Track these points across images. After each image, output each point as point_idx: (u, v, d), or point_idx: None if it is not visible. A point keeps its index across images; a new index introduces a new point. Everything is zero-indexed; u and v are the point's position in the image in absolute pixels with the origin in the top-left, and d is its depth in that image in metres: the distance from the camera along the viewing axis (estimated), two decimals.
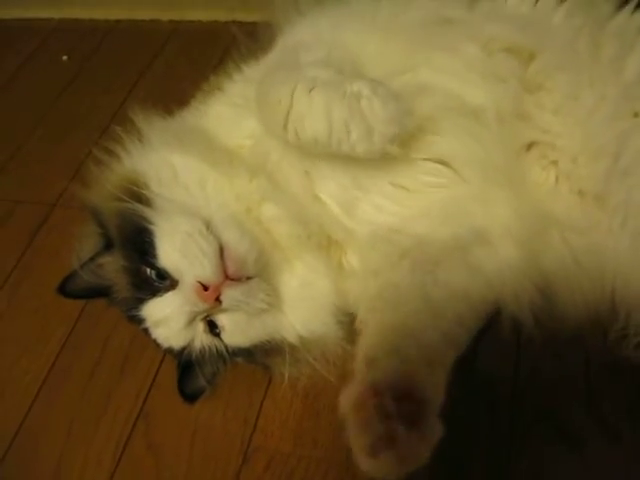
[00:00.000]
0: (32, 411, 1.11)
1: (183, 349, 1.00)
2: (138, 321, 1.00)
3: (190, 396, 1.05)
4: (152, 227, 0.95)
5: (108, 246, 1.02)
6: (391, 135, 0.86)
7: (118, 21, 1.86)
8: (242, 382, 1.08)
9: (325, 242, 1.03)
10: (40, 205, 1.41)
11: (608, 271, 1.03)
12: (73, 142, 1.51)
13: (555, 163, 1.06)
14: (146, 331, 1.02)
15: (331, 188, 1.01)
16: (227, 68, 1.09)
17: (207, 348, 0.98)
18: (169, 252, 0.94)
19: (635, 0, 1.04)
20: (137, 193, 0.97)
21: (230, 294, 0.94)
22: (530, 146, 1.06)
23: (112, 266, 1.02)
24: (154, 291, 0.96)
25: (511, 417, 0.99)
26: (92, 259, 1.03)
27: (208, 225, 0.94)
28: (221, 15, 1.72)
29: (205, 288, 0.92)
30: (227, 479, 0.98)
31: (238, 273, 0.94)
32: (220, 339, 0.99)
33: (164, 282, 0.96)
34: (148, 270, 0.96)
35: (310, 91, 0.87)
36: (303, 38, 1.04)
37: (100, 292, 1.05)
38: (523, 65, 1.05)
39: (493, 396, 1.02)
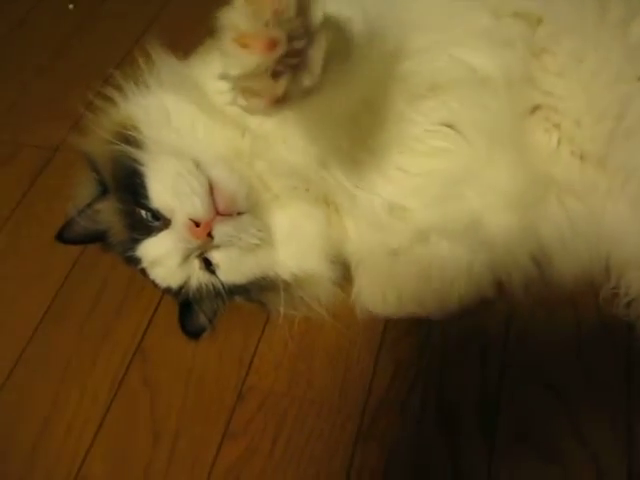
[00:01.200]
0: (30, 345, 1.12)
1: (181, 288, 1.02)
2: (135, 262, 1.02)
3: (192, 334, 1.07)
4: (143, 169, 0.97)
5: (104, 192, 1.04)
6: None
7: None
8: (238, 324, 1.09)
9: (321, 197, 1.05)
10: (43, 149, 1.42)
11: (604, 234, 1.05)
12: (76, 89, 1.48)
13: (558, 126, 1.07)
14: (144, 272, 1.03)
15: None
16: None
17: (204, 286, 1.01)
18: (160, 192, 0.96)
19: None
20: (127, 136, 0.99)
21: (221, 229, 0.96)
22: (534, 109, 1.07)
23: (108, 210, 1.04)
24: (149, 231, 0.98)
25: (501, 370, 1.01)
26: (89, 205, 1.05)
27: (197, 164, 0.96)
28: None
29: (197, 225, 0.94)
30: (221, 416, 1.00)
31: (228, 209, 0.96)
32: (216, 276, 1.01)
33: (158, 222, 0.98)
34: (142, 211, 0.98)
35: None
36: None
37: (97, 237, 1.07)
38: (531, 29, 1.06)
39: (484, 351, 1.04)
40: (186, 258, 0.99)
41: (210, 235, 0.95)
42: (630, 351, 1.00)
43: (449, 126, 1.02)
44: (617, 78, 1.02)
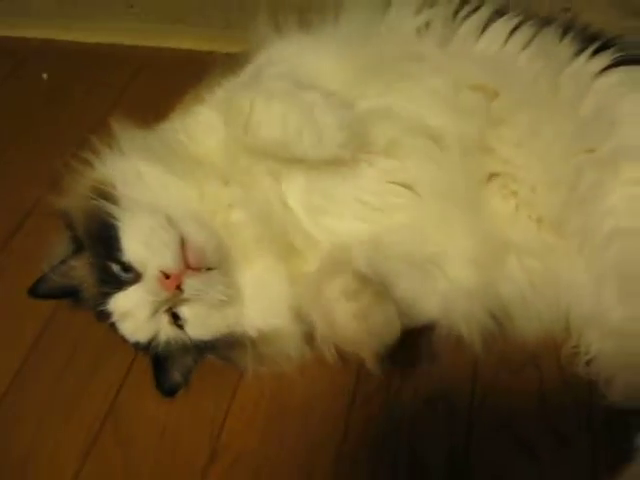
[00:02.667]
0: (3, 403, 1.12)
1: (149, 343, 1.04)
2: (106, 317, 1.04)
3: (167, 391, 1.08)
4: (117, 223, 1.01)
5: (78, 249, 1.07)
6: (341, 141, 0.96)
7: (98, 44, 1.90)
8: (210, 384, 1.11)
9: (287, 248, 1.08)
10: (16, 213, 1.44)
11: (562, 294, 1.10)
12: (50, 154, 1.52)
13: (515, 193, 1.12)
14: (114, 327, 1.05)
15: (297, 195, 1.08)
16: (209, 81, 1.16)
17: (172, 341, 1.03)
18: (133, 245, 1.00)
19: (591, 49, 1.14)
20: (104, 192, 1.04)
21: (190, 283, 0.99)
22: (491, 177, 1.13)
23: (81, 267, 1.07)
24: (119, 285, 1.01)
25: (469, 426, 1.04)
26: (63, 262, 1.08)
27: (170, 220, 1.01)
28: (203, 45, 1.78)
29: (167, 277, 0.98)
30: (194, 475, 1.01)
31: (198, 263, 1.00)
32: (184, 331, 1.03)
33: (129, 275, 1.01)
34: (114, 265, 1.01)
35: (268, 100, 0.98)
36: (272, 57, 1.13)
37: (70, 292, 1.09)
38: (488, 101, 1.12)
39: (452, 408, 1.07)
40: (155, 312, 1.01)
41: (179, 288, 0.99)
42: (592, 408, 1.04)
43: (405, 185, 1.08)
44: (570, 150, 1.09)
